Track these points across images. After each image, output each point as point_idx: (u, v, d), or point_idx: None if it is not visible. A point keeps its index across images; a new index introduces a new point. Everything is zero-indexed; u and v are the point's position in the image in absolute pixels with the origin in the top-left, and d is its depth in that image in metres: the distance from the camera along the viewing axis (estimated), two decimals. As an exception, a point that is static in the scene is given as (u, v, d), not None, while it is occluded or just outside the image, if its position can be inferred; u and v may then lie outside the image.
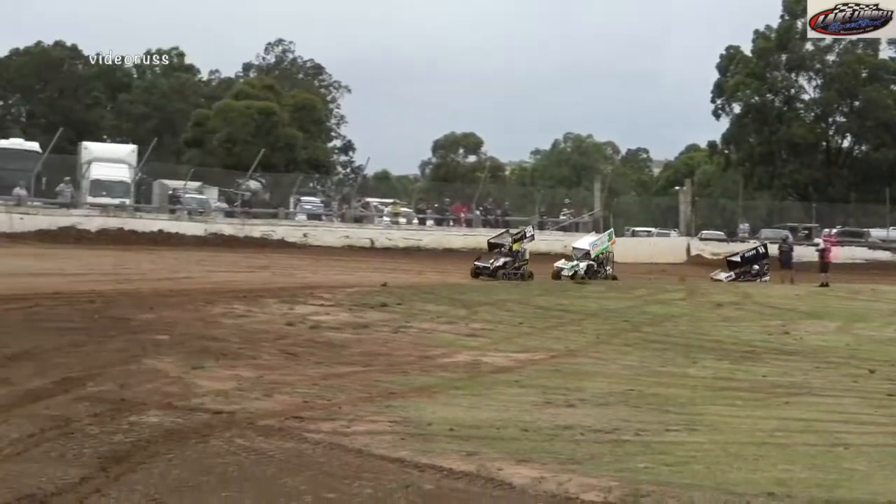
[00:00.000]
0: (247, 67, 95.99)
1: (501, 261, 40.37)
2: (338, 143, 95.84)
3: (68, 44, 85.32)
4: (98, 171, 56.04)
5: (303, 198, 67.87)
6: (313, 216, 63.46)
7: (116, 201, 53.61)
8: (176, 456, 11.17)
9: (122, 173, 56.78)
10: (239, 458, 11.19)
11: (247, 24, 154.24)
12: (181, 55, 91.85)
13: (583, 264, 40.81)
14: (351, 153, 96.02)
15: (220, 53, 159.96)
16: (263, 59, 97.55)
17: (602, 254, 42.51)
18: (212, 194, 61.77)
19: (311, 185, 73.44)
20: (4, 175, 51.58)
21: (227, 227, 54.78)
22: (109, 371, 15.96)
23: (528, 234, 43.03)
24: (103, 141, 71.81)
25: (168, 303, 25.59)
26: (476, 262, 41.36)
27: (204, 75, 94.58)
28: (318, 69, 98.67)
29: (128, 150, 59.91)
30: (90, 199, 53.87)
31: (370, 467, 10.55)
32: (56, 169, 55.51)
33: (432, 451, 11.15)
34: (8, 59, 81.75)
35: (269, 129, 73.47)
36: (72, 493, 10.03)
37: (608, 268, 42.52)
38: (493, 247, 42.04)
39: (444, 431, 12.26)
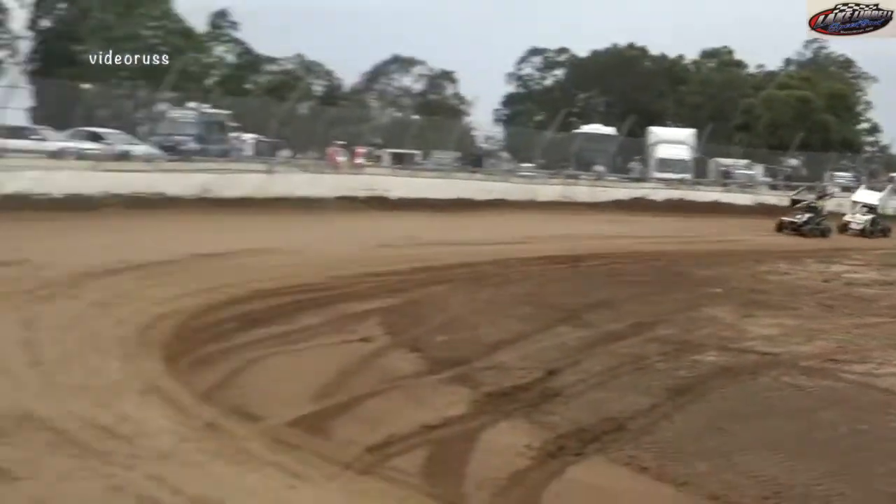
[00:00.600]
0: (788, 62, 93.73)
1: (806, 216, 37.71)
2: (865, 125, 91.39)
3: (638, 45, 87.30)
4: (663, 152, 56.52)
5: (836, 173, 65.27)
6: (845, 189, 61.38)
7: (678, 176, 53.67)
8: (729, 390, 11.19)
9: (683, 153, 56.88)
10: (782, 393, 11.10)
11: (791, 25, 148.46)
12: (730, 52, 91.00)
13: (867, 218, 39.13)
14: (877, 134, 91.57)
15: (765, 50, 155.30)
16: (801, 54, 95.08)
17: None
18: (758, 170, 60.90)
19: (842, 162, 70.18)
20: (586, 155, 53.13)
21: (771, 198, 53.43)
22: (673, 317, 16.09)
23: (828, 192, 41.15)
24: (666, 126, 72.15)
25: (721, 261, 25.50)
26: (783, 218, 38.69)
27: (751, 69, 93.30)
28: (848, 63, 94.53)
29: (688, 133, 59.83)
30: (656, 175, 54.26)
31: (898, 404, 10.29)
32: (628, 149, 56.59)
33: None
34: (589, 59, 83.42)
35: (806, 114, 71.58)
36: (643, 417, 10.20)
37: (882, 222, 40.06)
38: (794, 203, 39.25)
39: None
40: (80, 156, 27.99)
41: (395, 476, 8.27)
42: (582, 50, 77.18)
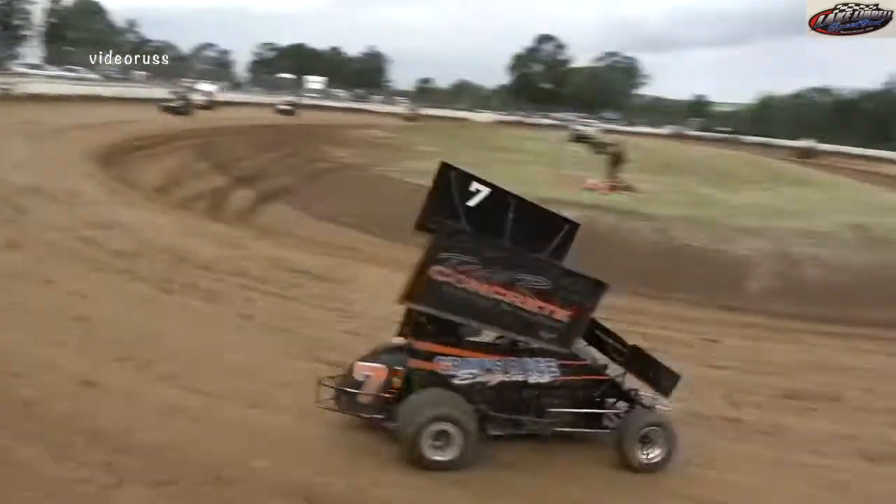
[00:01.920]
0: None
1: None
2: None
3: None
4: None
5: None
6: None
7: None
8: (332, 176, 14.37)
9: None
10: (351, 177, 14.20)
11: None
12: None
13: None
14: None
15: None
16: None
17: None
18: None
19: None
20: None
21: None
22: (305, 148, 18.93)
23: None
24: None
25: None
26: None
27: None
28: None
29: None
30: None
31: None
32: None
33: None
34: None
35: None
36: (300, 187, 13.95)
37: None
38: None
39: None
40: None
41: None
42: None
